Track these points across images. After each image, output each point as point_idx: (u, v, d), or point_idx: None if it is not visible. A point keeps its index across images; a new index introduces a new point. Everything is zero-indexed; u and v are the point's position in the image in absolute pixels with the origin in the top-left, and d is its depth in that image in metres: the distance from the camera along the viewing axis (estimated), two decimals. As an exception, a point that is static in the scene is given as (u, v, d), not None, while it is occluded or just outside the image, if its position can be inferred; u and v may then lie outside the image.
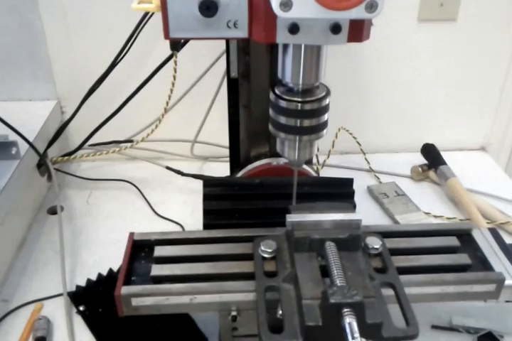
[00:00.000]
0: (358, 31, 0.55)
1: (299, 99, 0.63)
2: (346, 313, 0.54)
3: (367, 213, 1.01)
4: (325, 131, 0.67)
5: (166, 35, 0.57)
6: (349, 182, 0.85)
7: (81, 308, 0.80)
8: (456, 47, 1.12)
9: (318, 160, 1.11)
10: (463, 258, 0.71)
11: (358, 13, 0.49)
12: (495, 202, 1.06)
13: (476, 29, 1.10)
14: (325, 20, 0.53)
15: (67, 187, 1.11)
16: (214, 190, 0.84)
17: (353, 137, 1.14)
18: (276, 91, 0.64)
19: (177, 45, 0.74)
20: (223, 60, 0.85)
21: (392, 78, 1.15)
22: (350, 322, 0.53)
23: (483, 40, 1.12)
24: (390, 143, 1.24)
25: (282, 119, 0.64)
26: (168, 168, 1.08)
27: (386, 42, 1.10)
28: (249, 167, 0.88)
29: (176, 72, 0.94)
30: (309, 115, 0.64)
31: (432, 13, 1.08)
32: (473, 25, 1.09)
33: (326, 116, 0.65)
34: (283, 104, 0.63)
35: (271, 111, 0.66)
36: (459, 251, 0.73)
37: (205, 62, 1.03)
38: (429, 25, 1.09)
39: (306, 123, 0.64)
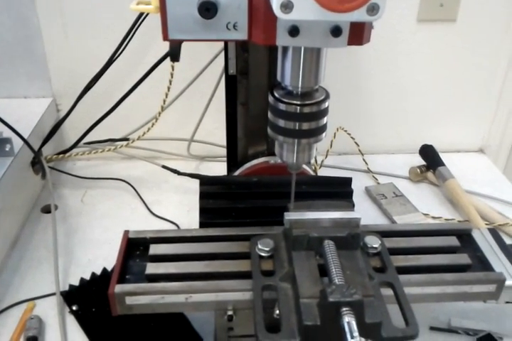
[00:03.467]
0: (358, 34, 0.54)
1: (298, 102, 0.62)
2: (345, 312, 0.53)
3: (365, 214, 0.99)
4: (324, 134, 0.66)
5: (165, 37, 0.56)
6: (347, 181, 0.84)
7: (74, 308, 0.79)
8: (455, 48, 1.12)
9: (316, 161, 1.10)
10: (463, 258, 0.70)
11: (360, 15, 0.48)
12: (493, 203, 1.05)
13: (476, 30, 1.10)
14: (325, 22, 0.52)
15: (61, 185, 1.09)
16: (210, 189, 0.82)
17: (351, 138, 1.13)
18: (275, 94, 0.63)
19: (177, 55, 0.72)
20: (221, 57, 0.84)
21: (390, 78, 1.15)
22: (349, 321, 0.52)
23: (483, 41, 1.11)
24: (388, 144, 1.23)
25: (281, 122, 0.64)
26: (164, 167, 1.06)
27: (384, 42, 1.09)
28: (247, 165, 0.87)
29: (173, 69, 0.94)
30: (308, 118, 0.63)
31: (431, 13, 1.07)
32: (473, 26, 1.09)
33: (325, 120, 0.65)
34: (282, 106, 0.62)
35: (270, 114, 0.65)
36: (459, 251, 0.72)
37: (203, 60, 1.02)
38: (429, 25, 1.09)
39: (305, 126, 0.63)
